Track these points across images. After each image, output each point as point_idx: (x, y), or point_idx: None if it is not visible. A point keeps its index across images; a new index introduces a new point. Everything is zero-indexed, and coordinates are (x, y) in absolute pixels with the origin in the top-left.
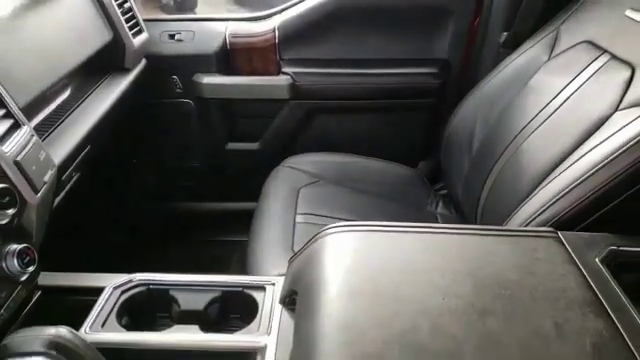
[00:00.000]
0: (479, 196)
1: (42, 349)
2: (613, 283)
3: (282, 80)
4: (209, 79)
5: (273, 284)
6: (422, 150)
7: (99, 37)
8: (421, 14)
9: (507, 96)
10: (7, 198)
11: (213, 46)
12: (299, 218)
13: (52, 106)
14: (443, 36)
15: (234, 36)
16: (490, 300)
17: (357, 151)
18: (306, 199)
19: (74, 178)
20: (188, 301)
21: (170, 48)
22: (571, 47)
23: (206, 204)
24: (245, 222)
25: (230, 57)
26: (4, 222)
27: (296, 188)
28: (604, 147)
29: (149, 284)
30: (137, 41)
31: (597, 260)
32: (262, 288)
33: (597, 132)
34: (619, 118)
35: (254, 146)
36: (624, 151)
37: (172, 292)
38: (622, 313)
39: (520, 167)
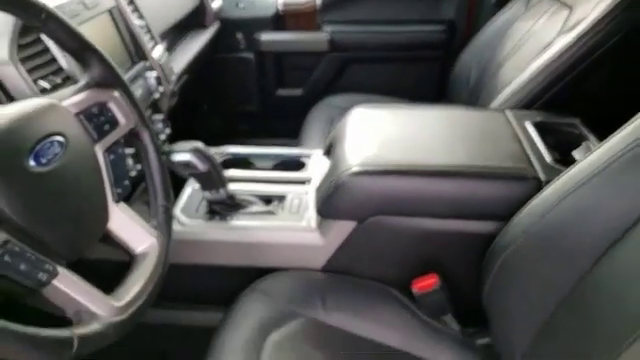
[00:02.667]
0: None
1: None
2: (532, 133)
3: (322, 36)
4: (266, 36)
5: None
6: (433, 94)
7: (190, 2)
8: None
9: (494, 44)
10: (159, 85)
11: (269, 12)
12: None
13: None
14: (450, 1)
15: (285, 4)
16: (459, 137)
17: (380, 94)
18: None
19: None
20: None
21: (236, 13)
22: (539, 1)
23: (259, 140)
24: None
25: (281, 20)
26: (156, 97)
27: (331, 118)
28: (547, 54)
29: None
30: (214, 5)
31: (527, 124)
32: (309, 156)
33: (547, 49)
34: (559, 39)
35: (299, 92)
36: (559, 55)
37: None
38: (530, 142)
39: (499, 80)
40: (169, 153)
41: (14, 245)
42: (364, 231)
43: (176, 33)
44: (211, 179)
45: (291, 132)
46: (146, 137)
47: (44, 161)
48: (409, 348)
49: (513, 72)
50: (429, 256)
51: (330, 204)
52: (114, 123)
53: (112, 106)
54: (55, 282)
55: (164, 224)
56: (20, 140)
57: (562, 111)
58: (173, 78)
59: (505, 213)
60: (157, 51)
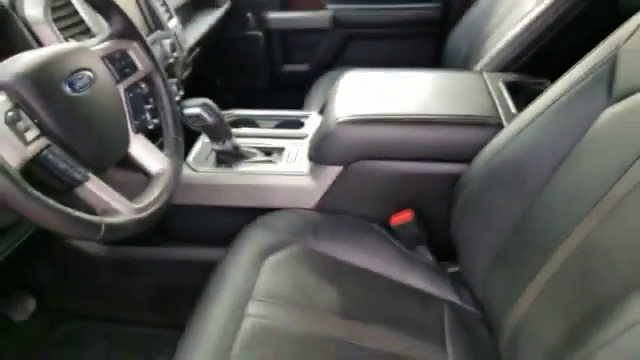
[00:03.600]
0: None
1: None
2: (503, 90)
3: (325, 14)
4: (274, 15)
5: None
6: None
7: None
8: None
9: (483, 18)
10: (173, 51)
11: None
12: None
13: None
14: None
15: None
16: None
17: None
18: None
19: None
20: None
21: None
22: None
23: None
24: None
25: (288, 0)
26: (171, 61)
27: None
28: (523, 22)
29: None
30: None
31: (500, 83)
32: (307, 116)
33: (524, 18)
34: (535, 9)
35: (304, 67)
36: (533, 23)
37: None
38: (499, 97)
39: (484, 49)
40: (182, 107)
41: (55, 149)
42: (349, 175)
43: (190, 10)
44: (218, 131)
45: (297, 105)
46: (159, 81)
47: (77, 88)
48: (387, 272)
49: (496, 41)
50: (405, 195)
51: (319, 151)
52: (133, 68)
53: (131, 54)
54: (87, 184)
55: (175, 152)
56: (58, 70)
57: (536, 73)
58: (186, 47)
59: (472, 156)
60: (172, 22)
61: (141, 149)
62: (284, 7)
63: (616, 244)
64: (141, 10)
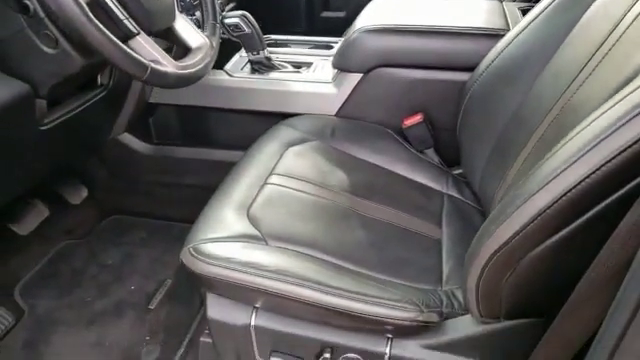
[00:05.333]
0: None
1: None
2: (518, 13)
3: None
4: None
5: None
6: None
7: None
8: None
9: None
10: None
11: None
12: None
13: None
14: None
15: None
16: (453, 9)
17: None
18: None
19: None
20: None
21: None
22: None
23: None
24: None
25: None
26: None
27: None
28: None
29: None
30: None
31: (516, 9)
32: (337, 42)
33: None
34: None
35: (341, 14)
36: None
37: None
38: (513, 16)
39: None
40: (223, 17)
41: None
42: (368, 81)
43: None
44: (253, 41)
45: None
46: None
47: None
48: (395, 169)
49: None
50: (418, 101)
51: (342, 57)
52: None
53: None
54: (139, 38)
55: (212, 34)
56: None
57: None
58: None
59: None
60: None
61: (184, 25)
62: None
63: (586, 101)
64: None
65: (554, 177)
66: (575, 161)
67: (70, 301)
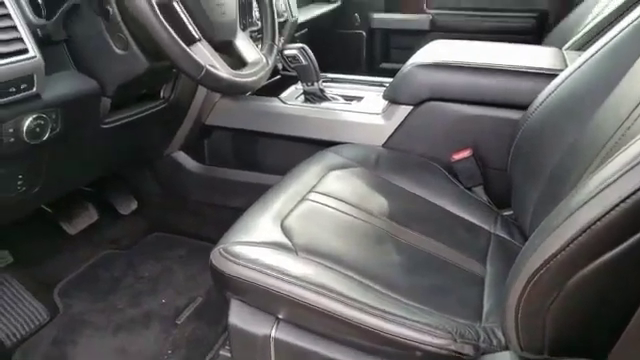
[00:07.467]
0: None
1: (298, 46)
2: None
3: (424, 17)
4: (378, 15)
5: None
6: None
7: None
8: None
9: (575, 23)
10: (284, 11)
11: None
12: None
13: None
14: None
15: None
16: (508, 51)
17: None
18: None
19: None
20: None
21: None
22: None
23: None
24: None
25: (393, 3)
26: (281, 20)
27: None
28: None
29: None
30: None
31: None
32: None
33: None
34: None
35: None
36: None
37: None
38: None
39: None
40: (282, 49)
41: (181, 5)
42: (418, 114)
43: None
44: (309, 72)
45: None
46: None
47: None
48: (440, 202)
49: None
50: (467, 137)
51: (393, 89)
52: None
53: None
54: (200, 44)
55: (269, 53)
56: None
57: None
58: (295, 13)
59: None
60: None
61: (244, 41)
62: (389, 10)
63: None
64: None
65: (607, 185)
66: (631, 168)
67: (103, 306)
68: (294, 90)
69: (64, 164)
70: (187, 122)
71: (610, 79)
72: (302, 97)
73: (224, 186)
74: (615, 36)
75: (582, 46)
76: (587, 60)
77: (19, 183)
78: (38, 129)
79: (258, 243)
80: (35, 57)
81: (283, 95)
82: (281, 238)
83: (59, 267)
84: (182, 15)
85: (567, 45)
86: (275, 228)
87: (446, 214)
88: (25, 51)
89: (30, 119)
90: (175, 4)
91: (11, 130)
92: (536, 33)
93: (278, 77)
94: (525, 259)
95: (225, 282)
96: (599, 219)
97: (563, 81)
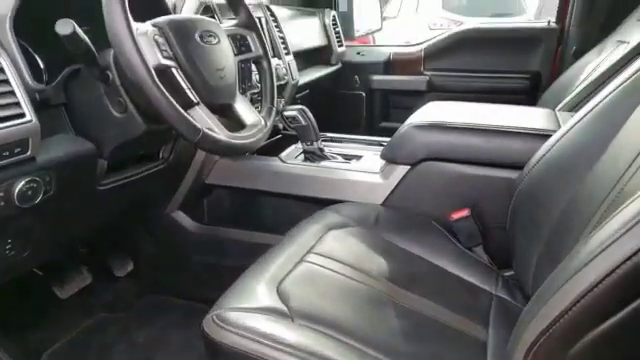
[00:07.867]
0: None
1: (298, 108)
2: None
3: (422, 78)
4: (377, 77)
5: None
6: None
7: (319, 40)
8: (518, 42)
9: (568, 83)
10: (285, 75)
11: (382, 58)
12: None
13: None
14: (535, 56)
15: (395, 54)
16: (501, 113)
17: None
18: None
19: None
20: None
21: (356, 58)
22: (608, 45)
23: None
24: None
25: (391, 66)
26: (282, 83)
27: None
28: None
29: None
30: (339, 49)
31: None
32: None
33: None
34: (617, 74)
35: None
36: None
37: None
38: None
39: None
40: (282, 110)
41: (179, 71)
42: (415, 174)
43: (306, 60)
44: (308, 132)
45: None
46: (266, 63)
47: (204, 41)
48: (440, 263)
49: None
50: (465, 196)
51: (391, 149)
52: (248, 49)
53: (249, 39)
54: (197, 107)
55: (267, 115)
56: (194, 26)
57: None
58: (296, 76)
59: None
60: (288, 57)
61: (243, 105)
62: (388, 71)
63: None
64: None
65: (606, 247)
66: (631, 228)
67: None
68: (294, 149)
69: (56, 227)
70: (187, 181)
71: (604, 138)
72: (302, 156)
73: (223, 246)
74: (606, 97)
75: (574, 106)
76: (579, 121)
77: (7, 247)
78: (30, 192)
79: (253, 309)
80: (31, 121)
81: (283, 154)
82: (276, 304)
83: (48, 334)
84: (180, 80)
85: (560, 106)
86: (271, 293)
87: (447, 275)
88: (22, 115)
89: (22, 182)
90: (174, 70)
91: (2, 194)
92: (530, 93)
93: (279, 136)
94: (525, 326)
95: (218, 351)
96: (600, 282)
97: (557, 141)
